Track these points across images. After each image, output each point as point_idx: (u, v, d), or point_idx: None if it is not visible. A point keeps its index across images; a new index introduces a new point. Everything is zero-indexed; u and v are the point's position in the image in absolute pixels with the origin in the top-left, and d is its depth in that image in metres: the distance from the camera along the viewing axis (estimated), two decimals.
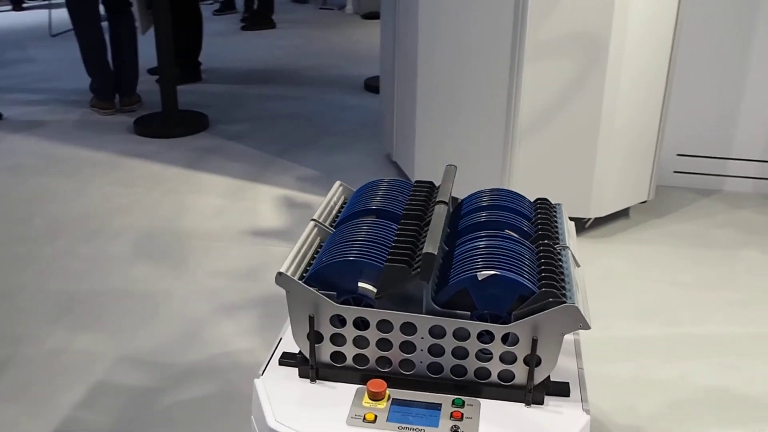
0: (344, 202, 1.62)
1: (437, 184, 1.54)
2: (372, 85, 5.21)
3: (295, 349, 1.34)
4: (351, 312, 1.25)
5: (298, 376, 1.31)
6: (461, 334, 1.23)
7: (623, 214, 3.17)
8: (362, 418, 1.21)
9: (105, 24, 4.45)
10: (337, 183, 1.64)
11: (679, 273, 2.78)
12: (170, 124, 4.30)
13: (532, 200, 1.57)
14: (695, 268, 2.82)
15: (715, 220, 3.22)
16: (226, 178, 3.59)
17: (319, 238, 1.45)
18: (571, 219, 1.58)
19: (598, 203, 2.91)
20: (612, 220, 3.11)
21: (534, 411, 1.25)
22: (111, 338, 2.31)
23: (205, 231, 3.04)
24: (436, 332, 1.24)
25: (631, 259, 2.87)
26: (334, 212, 1.56)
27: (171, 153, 3.92)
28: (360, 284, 1.27)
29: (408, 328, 1.24)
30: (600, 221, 3.05)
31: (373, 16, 8.04)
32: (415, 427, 1.20)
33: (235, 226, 3.08)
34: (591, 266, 2.77)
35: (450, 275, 1.27)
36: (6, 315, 2.43)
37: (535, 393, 1.25)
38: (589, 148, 2.81)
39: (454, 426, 1.20)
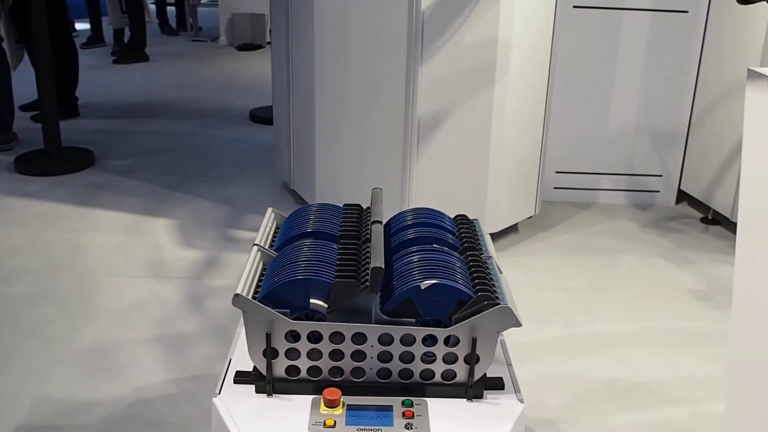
0: (277, 227, 1.71)
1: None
2: (258, 116, 5.28)
3: (246, 368, 1.42)
4: (305, 327, 1.34)
5: (254, 392, 1.38)
6: (408, 340, 1.35)
7: (513, 229, 3.38)
8: (322, 424, 1.30)
9: None
10: (270, 210, 1.73)
11: (569, 279, 3.01)
12: (54, 161, 4.21)
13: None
14: (583, 273, 3.06)
15: (595, 229, 3.49)
16: (122, 213, 3.57)
17: (262, 262, 1.53)
18: (464, 215, 1.73)
19: (491, 220, 3.11)
20: (504, 235, 3.32)
21: (475, 405, 1.38)
22: (25, 380, 2.28)
23: (107, 267, 3.02)
24: (385, 340, 1.35)
25: (525, 269, 3.07)
26: (270, 237, 1.64)
27: (59, 191, 3.85)
28: (312, 300, 1.37)
29: (359, 337, 1.35)
30: (493, 237, 3.25)
31: (248, 47, 8.11)
32: (372, 428, 1.30)
33: (138, 261, 3.08)
34: None
35: (393, 287, 1.39)
36: None
37: (475, 388, 1.38)
38: (481, 171, 3.00)
39: (408, 423, 1.31)
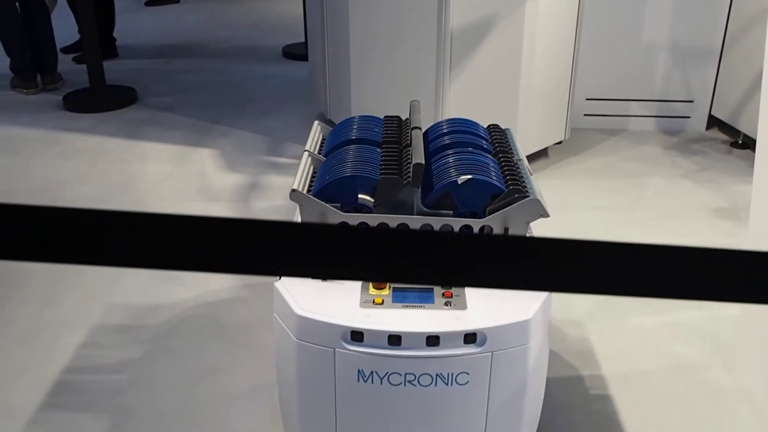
0: (323, 138, 1.86)
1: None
2: (291, 53, 5.40)
3: None
4: (354, 218, 1.50)
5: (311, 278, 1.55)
6: (446, 230, 1.51)
7: (543, 153, 3.51)
8: (372, 301, 1.48)
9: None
10: (316, 123, 1.88)
11: (597, 200, 3.14)
12: (100, 99, 4.39)
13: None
14: (610, 195, 3.19)
15: (623, 155, 3.60)
16: (168, 145, 3.75)
17: (312, 166, 1.69)
18: (496, 125, 1.86)
19: (522, 144, 3.23)
20: (534, 159, 3.45)
21: None
22: (97, 290, 2.48)
23: (160, 194, 3.21)
24: (426, 230, 1.51)
25: (554, 191, 3.21)
26: (318, 145, 1.80)
27: (106, 126, 4.03)
28: (359, 195, 1.53)
29: (402, 228, 1.51)
30: None
31: None
32: (416, 304, 1.47)
33: (189, 187, 3.26)
34: None
35: (433, 183, 1.54)
36: None
37: None
38: (512, 95, 3.12)
39: (447, 301, 1.48)
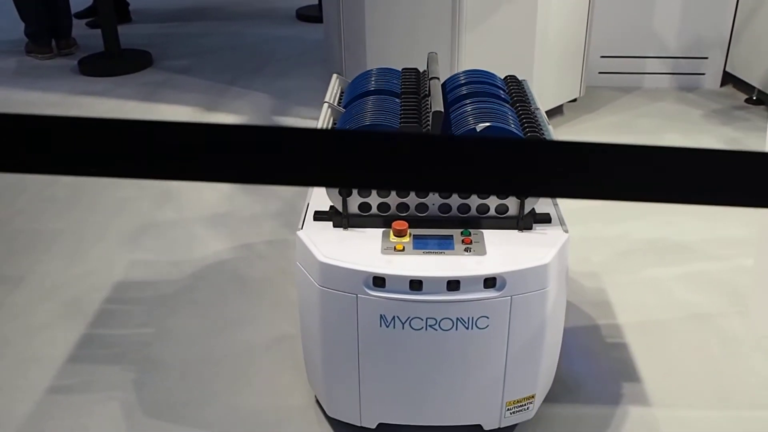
0: (342, 91, 1.88)
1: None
2: (305, 15, 5.39)
3: (323, 209, 1.61)
4: None
5: (332, 227, 1.58)
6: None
7: (558, 111, 3.51)
8: (393, 248, 1.51)
9: None
10: (335, 76, 1.90)
11: None
12: (115, 63, 4.41)
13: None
14: None
15: (638, 111, 3.60)
16: (186, 107, 3.77)
17: (332, 118, 1.71)
18: (513, 76, 1.88)
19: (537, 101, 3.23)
20: (549, 116, 3.44)
21: (525, 234, 1.56)
22: (118, 247, 2.53)
23: None
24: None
25: None
26: (337, 98, 1.82)
27: (123, 89, 4.06)
28: None
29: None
30: None
31: None
32: (436, 251, 1.50)
33: None
34: None
35: (452, 131, 1.56)
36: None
37: (525, 220, 1.57)
38: (527, 52, 3.11)
39: (467, 248, 1.50)
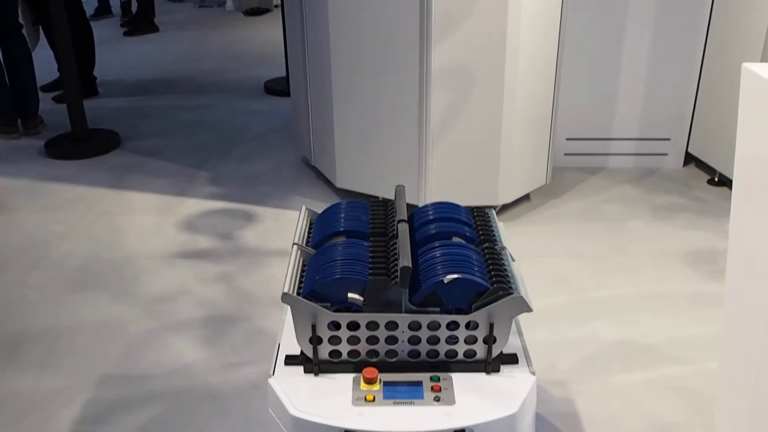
0: (311, 223, 1.91)
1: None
2: (273, 88, 5.45)
3: (294, 352, 1.63)
4: (344, 317, 1.56)
5: (303, 372, 1.61)
6: (434, 325, 1.56)
7: (525, 198, 3.57)
8: (363, 399, 1.53)
9: None
10: (303, 208, 1.93)
11: (579, 246, 3.21)
12: (83, 145, 4.41)
13: (464, 206, 1.91)
14: (591, 240, 3.26)
15: (603, 196, 3.68)
16: (154, 195, 3.78)
17: (301, 258, 1.74)
18: (480, 207, 1.92)
19: (504, 191, 3.30)
20: (516, 204, 3.51)
21: (493, 378, 1.60)
22: (88, 363, 2.52)
23: (147, 250, 3.24)
24: (414, 326, 1.56)
25: (537, 237, 3.27)
26: (306, 234, 1.85)
27: (91, 174, 4.06)
28: (349, 295, 1.58)
29: (391, 325, 1.56)
30: (506, 206, 3.44)
31: (255, 12, 8.21)
32: (406, 400, 1.52)
33: (176, 242, 3.30)
34: None
35: (420, 280, 1.60)
36: None
37: (493, 364, 1.60)
38: (494, 143, 3.18)
39: (436, 396, 1.53)
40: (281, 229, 3.38)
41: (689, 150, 3.95)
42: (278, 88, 5.41)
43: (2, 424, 2.22)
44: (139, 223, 3.48)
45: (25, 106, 4.65)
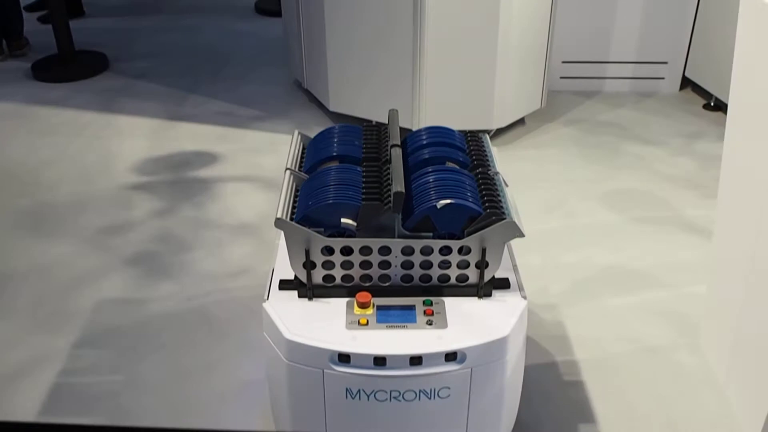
0: (304, 148, 1.90)
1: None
2: (264, 8, 5.34)
3: (288, 277, 1.65)
4: (338, 242, 1.56)
5: (297, 297, 1.62)
6: (426, 250, 1.57)
7: (520, 122, 3.55)
8: (357, 322, 1.55)
9: None
10: (296, 132, 1.92)
11: (572, 171, 3.21)
12: (70, 67, 4.33)
13: (458, 130, 1.90)
14: (585, 165, 3.26)
15: (598, 119, 3.66)
16: (145, 118, 3.74)
17: (294, 183, 1.74)
18: (473, 132, 1.91)
19: (499, 115, 3.28)
20: (511, 128, 3.49)
21: (485, 302, 1.62)
22: (85, 285, 2.53)
23: (140, 172, 3.23)
24: (407, 251, 1.57)
25: (532, 162, 3.27)
26: (299, 159, 1.84)
27: (80, 97, 4.01)
28: (342, 220, 1.58)
29: (384, 250, 1.57)
30: (501, 130, 3.43)
31: None
32: (399, 324, 1.54)
33: (168, 165, 3.28)
34: None
35: (413, 205, 1.60)
36: None
37: (485, 288, 1.62)
38: (489, 66, 3.15)
39: (429, 320, 1.55)
40: (274, 153, 3.36)
41: (686, 74, 3.92)
42: (269, 8, 5.30)
43: (5, 350, 2.25)
44: (129, 147, 3.46)
45: (10, 27, 4.56)
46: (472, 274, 1.61)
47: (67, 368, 2.16)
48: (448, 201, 1.55)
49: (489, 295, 1.63)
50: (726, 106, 3.54)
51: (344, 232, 1.59)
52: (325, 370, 1.52)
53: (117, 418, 1.98)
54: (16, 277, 2.56)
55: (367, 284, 1.62)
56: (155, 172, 3.23)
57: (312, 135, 1.92)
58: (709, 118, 3.69)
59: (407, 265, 1.59)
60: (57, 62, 4.38)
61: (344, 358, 1.50)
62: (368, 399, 1.53)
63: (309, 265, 1.58)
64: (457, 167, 1.71)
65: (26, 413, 2.00)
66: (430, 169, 1.68)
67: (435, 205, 1.55)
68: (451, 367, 1.52)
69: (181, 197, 3.03)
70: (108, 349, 2.23)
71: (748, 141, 1.87)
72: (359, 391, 1.53)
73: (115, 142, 3.51)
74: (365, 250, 1.57)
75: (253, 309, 2.35)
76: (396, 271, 1.60)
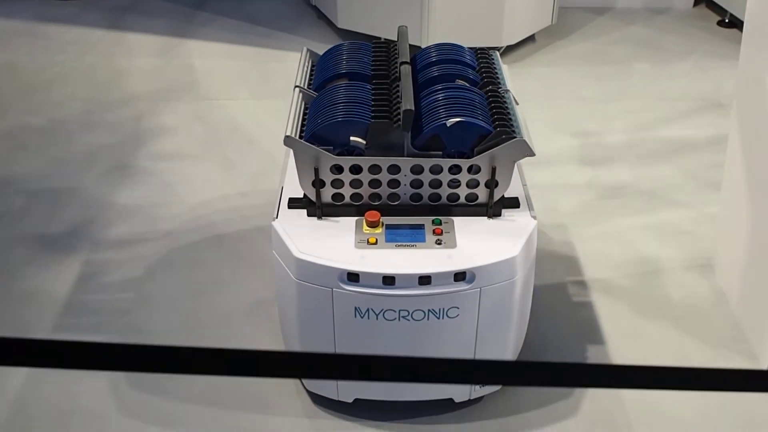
0: (313, 65, 1.88)
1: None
2: None
3: (297, 195, 1.65)
4: (347, 161, 1.56)
5: (306, 216, 1.62)
6: (436, 169, 1.57)
7: (530, 39, 3.49)
8: (366, 241, 1.55)
9: None
10: (305, 49, 1.89)
11: (583, 89, 3.16)
12: None
13: (468, 47, 1.87)
14: (596, 83, 3.21)
15: (610, 37, 3.59)
16: (153, 36, 3.69)
17: (303, 101, 1.72)
18: (483, 49, 1.88)
19: (509, 32, 3.22)
20: (521, 45, 3.43)
21: (495, 221, 1.62)
22: (95, 198, 2.55)
23: (150, 91, 3.21)
24: (416, 169, 1.57)
25: (542, 80, 3.22)
26: (307, 76, 1.82)
27: (89, 14, 3.94)
28: (351, 138, 1.57)
29: (393, 168, 1.56)
30: (511, 47, 3.37)
31: None
32: (408, 243, 1.55)
33: (178, 84, 3.25)
34: None
35: (422, 124, 1.59)
36: None
37: (494, 208, 1.61)
38: None
39: (438, 239, 1.56)
40: (282, 72, 3.32)
41: None
42: None
43: (18, 267, 2.27)
44: (139, 65, 3.43)
45: None
46: (482, 194, 1.60)
47: (77, 286, 2.18)
48: (458, 119, 1.54)
49: (498, 214, 1.62)
50: (741, 22, 3.47)
51: (353, 150, 1.58)
52: (334, 289, 1.53)
53: (128, 336, 2.02)
54: (29, 193, 2.57)
55: (377, 203, 1.61)
56: (164, 89, 3.20)
57: (321, 52, 1.89)
58: (724, 35, 3.61)
59: (416, 184, 1.59)
60: None
61: (353, 277, 1.51)
62: (377, 318, 1.55)
63: (318, 184, 1.58)
64: (467, 85, 1.69)
65: (38, 328, 2.04)
66: (440, 87, 1.66)
67: (444, 124, 1.54)
68: (460, 286, 1.53)
69: (191, 116, 3.02)
70: (118, 267, 2.26)
71: (765, 59, 1.83)
72: (368, 310, 1.54)
73: (125, 60, 3.47)
74: (374, 169, 1.57)
75: (262, 227, 2.36)
76: (405, 190, 1.60)
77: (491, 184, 1.58)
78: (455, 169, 1.57)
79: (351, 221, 1.61)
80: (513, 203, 1.65)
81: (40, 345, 0.60)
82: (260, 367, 0.61)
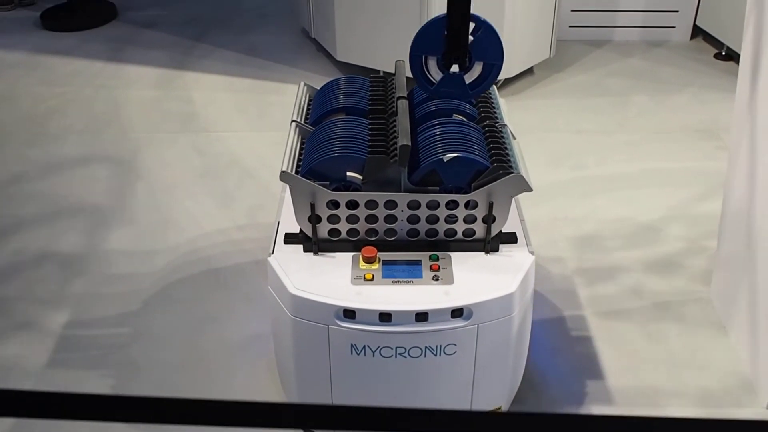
0: (310, 99, 1.88)
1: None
2: None
3: (293, 230, 1.64)
4: (344, 196, 1.55)
5: (302, 251, 1.61)
6: (433, 205, 1.56)
7: (528, 71, 3.50)
8: (362, 277, 1.54)
9: None
10: (302, 83, 1.89)
11: (581, 122, 3.17)
12: (80, 16, 4.29)
13: None
14: (594, 116, 3.21)
15: (608, 69, 3.60)
16: (152, 68, 3.70)
17: (300, 136, 1.72)
18: None
19: (507, 65, 3.20)
20: (519, 78, 3.44)
21: (492, 257, 1.60)
22: (89, 237, 2.54)
23: (149, 123, 3.21)
24: (413, 205, 1.56)
25: (540, 112, 3.23)
26: (305, 110, 1.82)
27: (88, 46, 3.97)
28: (348, 173, 1.56)
29: (390, 204, 1.56)
30: (509, 80, 3.38)
31: None
32: (405, 279, 1.53)
33: (177, 115, 3.26)
34: None
35: (419, 158, 1.58)
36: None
37: (492, 243, 1.60)
38: (497, 15, 3.08)
39: (435, 275, 1.54)
40: (281, 104, 3.33)
41: (697, 23, 3.84)
42: None
43: (13, 300, 2.26)
44: (138, 97, 3.43)
45: None
46: (479, 229, 1.59)
47: (74, 320, 2.17)
48: (455, 154, 1.53)
49: (496, 250, 1.61)
50: (738, 55, 3.47)
51: (350, 185, 1.57)
52: (330, 326, 1.52)
53: (124, 370, 2.00)
54: (24, 225, 2.56)
55: (373, 239, 1.60)
56: (163, 122, 3.21)
57: (319, 85, 1.89)
58: (721, 67, 3.62)
59: (413, 220, 1.58)
60: (65, 11, 4.33)
61: (349, 314, 1.50)
62: (373, 355, 1.53)
63: (314, 219, 1.57)
64: (465, 120, 1.68)
65: (35, 364, 2.02)
66: (437, 122, 1.65)
67: (442, 159, 1.53)
68: (458, 323, 1.51)
69: (189, 148, 3.02)
70: (115, 301, 2.24)
71: (761, 91, 1.83)
72: (364, 347, 1.53)
73: (124, 92, 3.48)
74: (371, 204, 1.56)
75: (259, 261, 2.34)
76: (402, 226, 1.59)
77: (488, 220, 1.57)
78: (452, 205, 1.56)
79: (347, 257, 1.60)
80: (510, 238, 1.64)
81: (26, 396, 0.59)
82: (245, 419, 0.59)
